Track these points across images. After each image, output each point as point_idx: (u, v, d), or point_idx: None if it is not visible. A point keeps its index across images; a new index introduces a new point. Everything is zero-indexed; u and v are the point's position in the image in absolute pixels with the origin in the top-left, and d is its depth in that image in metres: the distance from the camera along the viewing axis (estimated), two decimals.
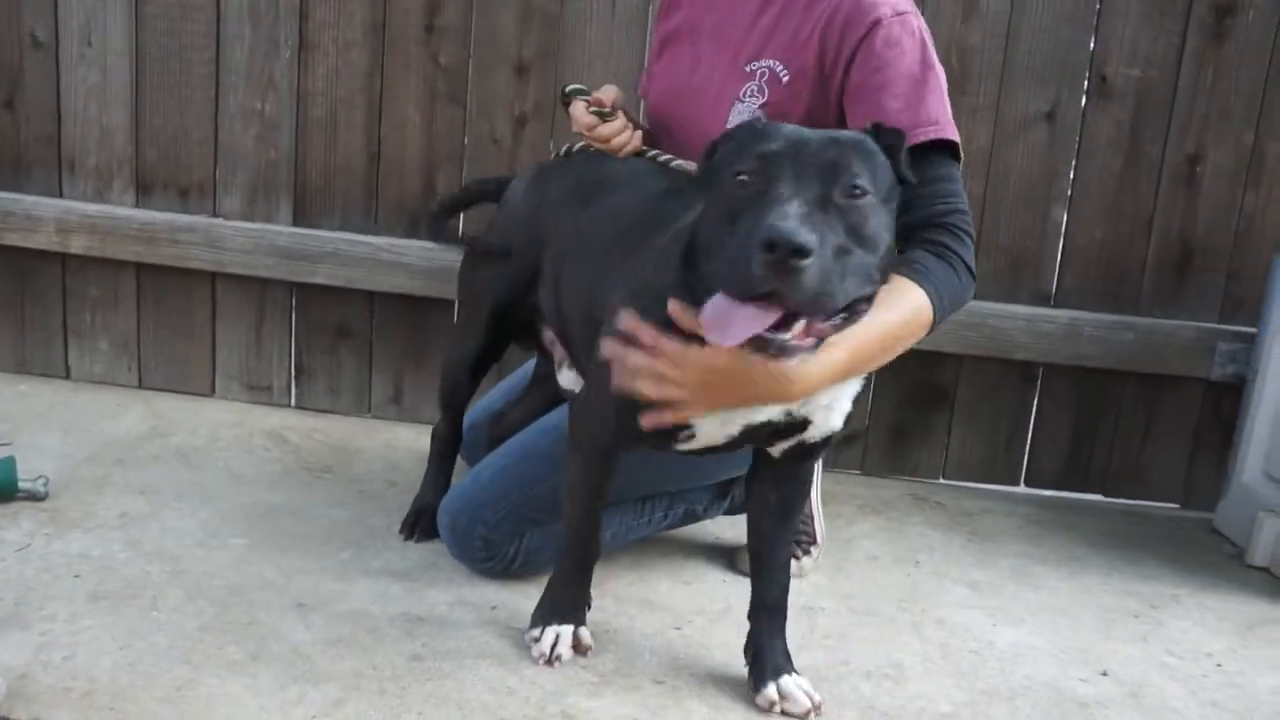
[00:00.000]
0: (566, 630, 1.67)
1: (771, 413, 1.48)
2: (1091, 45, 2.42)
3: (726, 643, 1.75)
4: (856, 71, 1.68)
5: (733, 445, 1.56)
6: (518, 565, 1.86)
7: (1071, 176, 2.48)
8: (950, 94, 2.37)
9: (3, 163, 2.58)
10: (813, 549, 2.07)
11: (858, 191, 1.30)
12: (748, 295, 1.24)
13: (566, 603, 1.69)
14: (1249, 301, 2.49)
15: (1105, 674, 1.79)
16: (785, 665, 1.63)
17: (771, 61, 1.76)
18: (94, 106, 2.54)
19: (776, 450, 1.59)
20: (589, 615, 1.71)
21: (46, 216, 2.54)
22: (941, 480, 2.60)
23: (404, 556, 1.95)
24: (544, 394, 2.09)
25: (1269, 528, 2.25)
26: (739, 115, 1.76)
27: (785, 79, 1.75)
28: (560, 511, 1.71)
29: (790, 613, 1.84)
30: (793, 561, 2.00)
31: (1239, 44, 2.40)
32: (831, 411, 1.52)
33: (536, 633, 1.67)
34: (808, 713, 1.58)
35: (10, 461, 1.99)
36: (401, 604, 1.78)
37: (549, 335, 1.96)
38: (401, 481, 2.18)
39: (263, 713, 1.46)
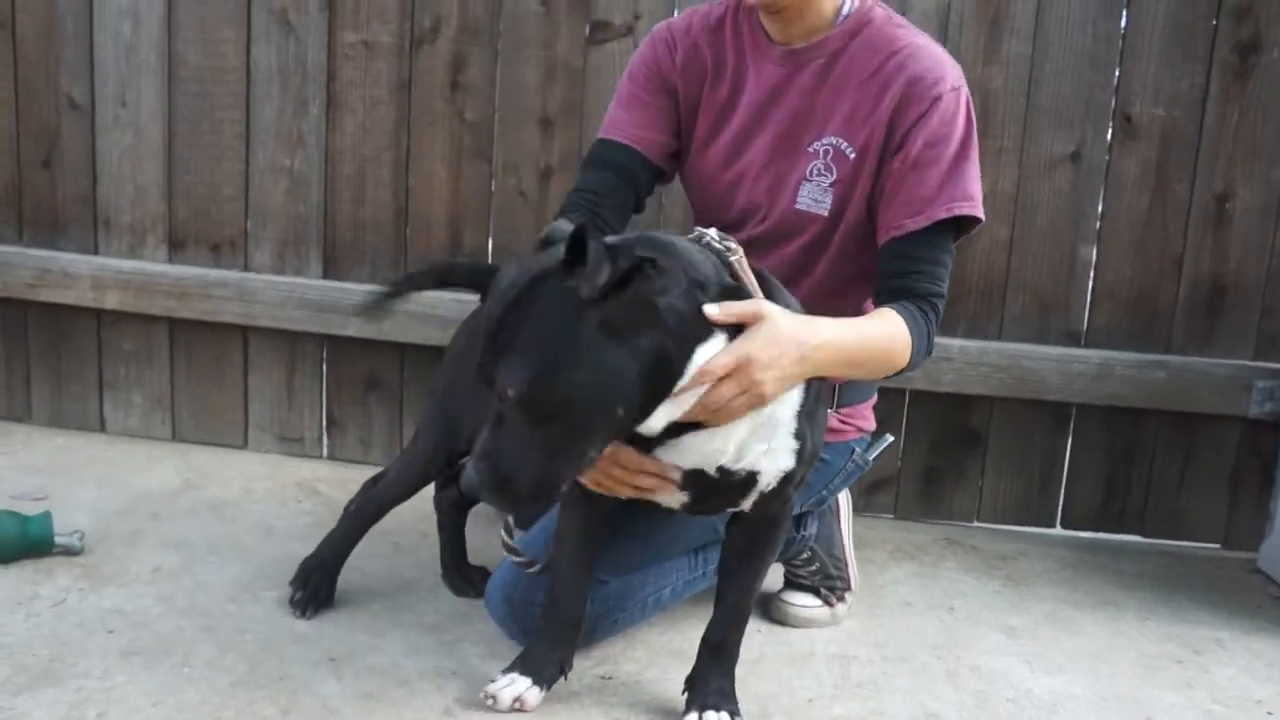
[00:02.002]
0: (523, 684, 1.63)
1: (707, 463, 1.48)
2: (1115, 86, 2.42)
3: (759, 692, 1.73)
4: (911, 144, 1.71)
5: (694, 505, 1.55)
6: (583, 630, 1.77)
7: (1099, 216, 2.47)
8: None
9: (40, 222, 2.63)
10: (847, 595, 2.05)
11: (517, 403, 1.31)
12: None
13: (537, 658, 1.66)
14: None
15: None
16: (716, 702, 1.61)
17: (834, 139, 1.76)
18: (128, 166, 2.59)
19: (746, 504, 1.56)
20: (561, 682, 1.68)
21: (82, 273, 2.58)
22: (975, 523, 2.58)
23: (436, 609, 1.95)
24: None
25: None
26: (808, 194, 1.78)
27: (851, 155, 1.75)
28: (628, 567, 1.75)
29: (823, 661, 1.83)
30: (826, 608, 2.01)
31: (1264, 81, 2.39)
32: (776, 454, 1.51)
33: (498, 674, 1.66)
34: None
35: (46, 517, 2.01)
36: (433, 657, 1.77)
37: None
38: (434, 533, 2.18)
39: None
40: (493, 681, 1.64)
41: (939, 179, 1.70)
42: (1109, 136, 2.44)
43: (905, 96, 1.70)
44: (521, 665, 1.66)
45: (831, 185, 1.77)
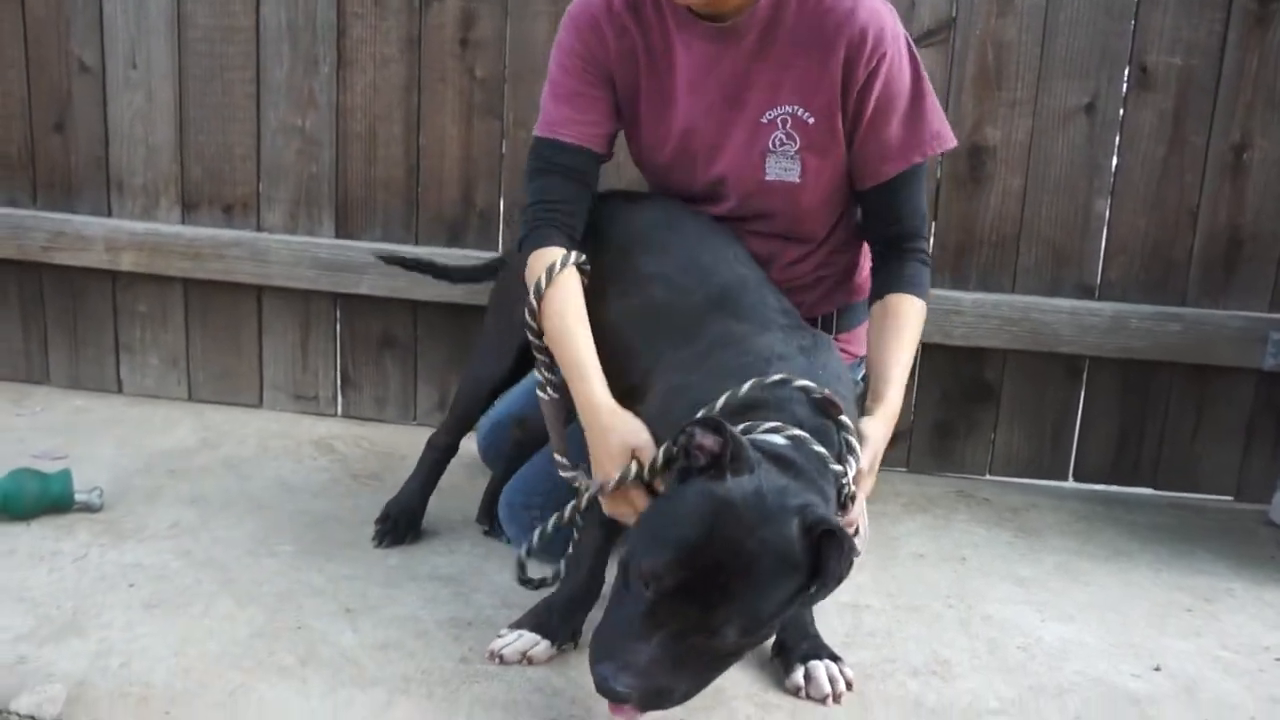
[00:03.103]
0: (530, 639, 1.64)
1: None
2: (1131, 35, 2.39)
3: (771, 641, 1.74)
4: (867, 102, 1.75)
5: None
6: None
7: (1114, 168, 2.45)
8: (987, 89, 2.42)
9: (54, 184, 2.64)
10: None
11: (716, 640, 1.36)
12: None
13: (548, 621, 1.67)
14: None
15: (1158, 669, 1.76)
16: (815, 650, 1.64)
17: (790, 107, 1.77)
18: (140, 127, 2.60)
19: None
20: (567, 652, 1.67)
21: (96, 235, 2.60)
22: (988, 476, 2.58)
23: (451, 561, 1.97)
24: (566, 404, 2.09)
25: None
26: (776, 165, 1.79)
27: (810, 120, 1.77)
28: None
29: (835, 610, 1.84)
30: None
31: None
32: None
33: (506, 630, 1.66)
34: (825, 698, 1.59)
35: (66, 475, 2.04)
36: (449, 608, 1.80)
37: None
38: (447, 487, 2.20)
39: (313, 716, 1.48)
40: (499, 637, 1.65)
41: (904, 125, 1.77)
42: (1124, 87, 2.42)
43: (850, 56, 1.71)
44: (531, 623, 1.67)
45: (797, 152, 1.79)
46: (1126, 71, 2.41)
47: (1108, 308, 2.46)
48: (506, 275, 2.08)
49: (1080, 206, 2.46)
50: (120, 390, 2.73)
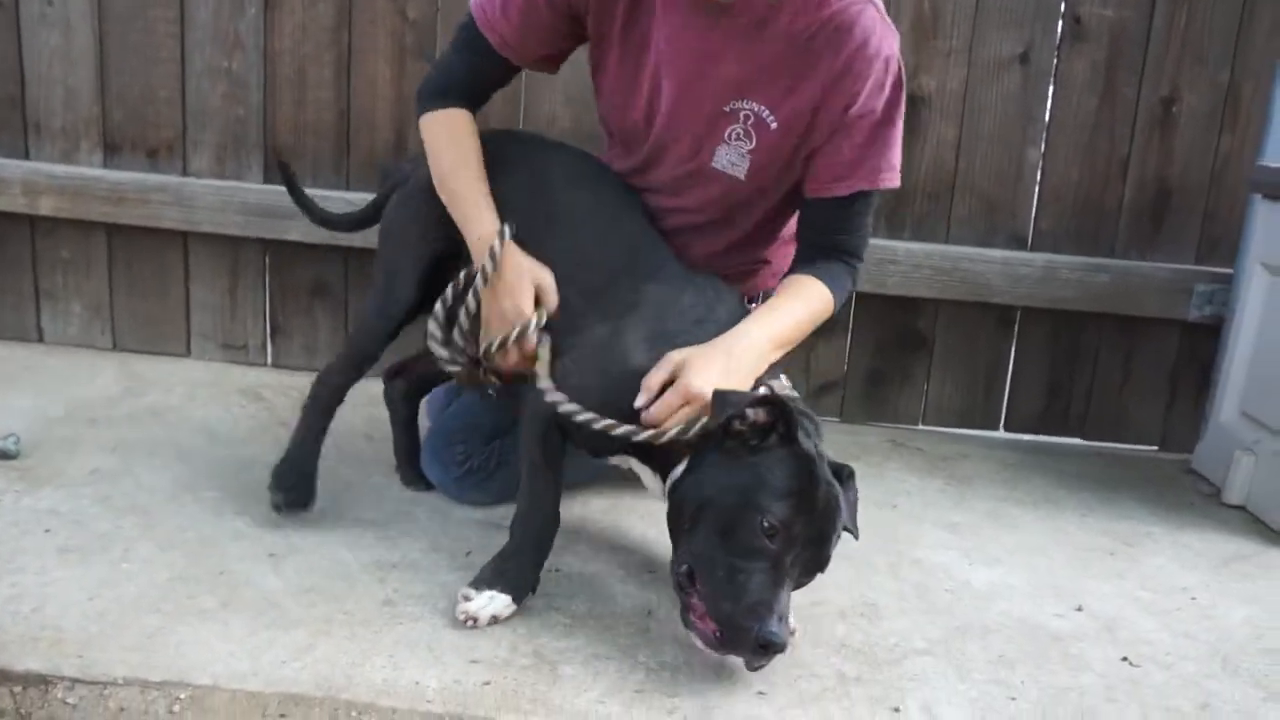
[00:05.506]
0: (503, 599, 1.59)
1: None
2: None
3: None
4: (836, 117, 1.70)
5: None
6: (494, 465, 1.96)
7: (1046, 119, 2.47)
8: (923, 38, 2.41)
9: None
10: None
11: (818, 574, 1.54)
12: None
13: (514, 575, 1.62)
14: (1225, 242, 2.48)
15: (1080, 609, 1.79)
16: None
17: (757, 105, 1.70)
18: (58, 68, 2.51)
19: None
20: (532, 599, 1.65)
21: (13, 178, 2.51)
22: (920, 426, 2.61)
23: (378, 507, 1.94)
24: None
25: (1245, 466, 2.26)
26: (725, 156, 1.75)
27: (773, 125, 1.71)
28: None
29: None
30: None
31: None
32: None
33: (472, 592, 1.60)
34: None
35: None
36: (374, 552, 1.77)
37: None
38: (377, 435, 2.17)
39: (232, 658, 1.45)
40: (467, 600, 1.59)
41: (862, 148, 1.71)
42: (1058, 38, 2.42)
43: (838, 76, 1.66)
44: (497, 581, 1.62)
45: (749, 152, 1.74)
46: (1060, 22, 2.41)
47: (1039, 258, 2.48)
48: (399, 205, 1.95)
49: (1014, 157, 2.47)
50: (41, 339, 2.65)
